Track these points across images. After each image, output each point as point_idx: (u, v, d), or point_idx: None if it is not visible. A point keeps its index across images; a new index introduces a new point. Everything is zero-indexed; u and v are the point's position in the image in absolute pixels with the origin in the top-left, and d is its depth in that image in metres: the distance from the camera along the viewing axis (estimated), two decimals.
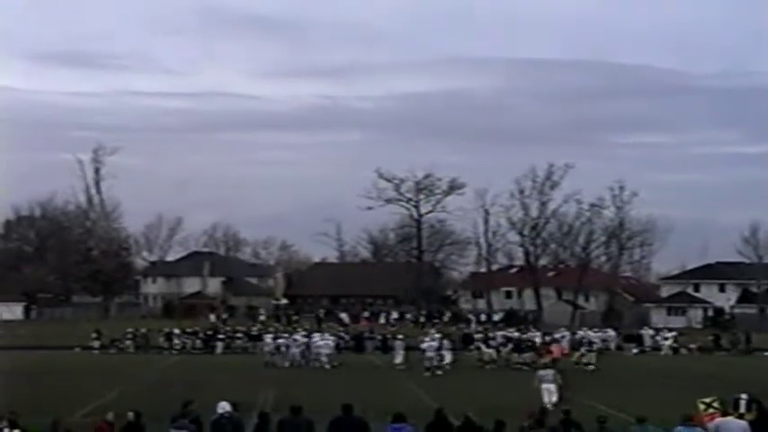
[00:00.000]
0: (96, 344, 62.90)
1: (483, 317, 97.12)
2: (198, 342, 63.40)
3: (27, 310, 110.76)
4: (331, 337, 55.79)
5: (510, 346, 53.19)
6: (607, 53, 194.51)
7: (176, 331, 65.13)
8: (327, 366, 49.97)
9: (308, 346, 52.93)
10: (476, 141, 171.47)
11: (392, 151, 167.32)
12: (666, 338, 66.04)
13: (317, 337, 54.77)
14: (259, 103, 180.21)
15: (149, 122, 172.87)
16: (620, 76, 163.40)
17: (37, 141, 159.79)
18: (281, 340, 53.68)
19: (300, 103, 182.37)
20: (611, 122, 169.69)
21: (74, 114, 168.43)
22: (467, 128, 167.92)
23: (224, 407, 20.60)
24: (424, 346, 49.67)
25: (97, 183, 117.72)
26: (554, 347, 58.19)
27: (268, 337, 55.12)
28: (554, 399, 30.56)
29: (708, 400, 21.54)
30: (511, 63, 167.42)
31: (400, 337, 56.53)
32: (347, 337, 65.67)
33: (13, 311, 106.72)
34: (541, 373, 32.68)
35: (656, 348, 65.18)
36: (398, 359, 51.28)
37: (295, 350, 52.29)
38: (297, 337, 54.40)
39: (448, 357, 49.70)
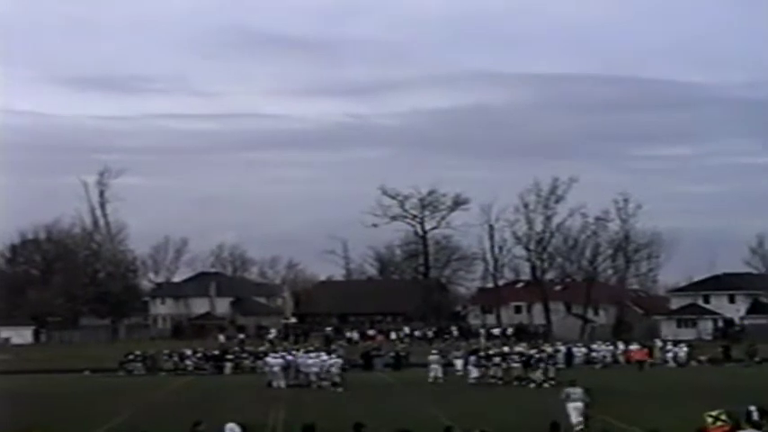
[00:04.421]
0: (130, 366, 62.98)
1: (496, 331, 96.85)
2: (207, 363, 63.25)
3: (36, 334, 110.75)
4: (324, 357, 53.19)
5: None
6: (631, 67, 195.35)
7: (188, 352, 65.07)
8: (315, 386, 48.82)
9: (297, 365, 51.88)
10: (496, 157, 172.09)
11: (407, 168, 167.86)
12: (668, 350, 66.01)
13: (309, 356, 53.66)
14: (285, 123, 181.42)
15: (174, 144, 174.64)
16: (643, 90, 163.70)
17: (58, 165, 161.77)
18: (274, 359, 52.97)
19: (325, 121, 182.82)
20: (632, 136, 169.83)
21: (99, 138, 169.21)
22: (488, 143, 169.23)
23: (232, 428, 20.51)
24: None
25: (102, 205, 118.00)
26: (636, 351, 62.91)
27: (269, 357, 54.60)
28: (579, 417, 29.36)
29: (714, 413, 21.35)
30: (534, 78, 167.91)
31: (434, 352, 56.36)
32: (341, 354, 64.81)
33: (23, 336, 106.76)
34: (569, 390, 30.68)
35: (667, 361, 64.85)
36: (433, 374, 51.83)
37: (309, 368, 51.58)
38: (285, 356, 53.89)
39: (475, 372, 50.63)
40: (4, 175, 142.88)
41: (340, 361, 52.52)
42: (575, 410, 29.61)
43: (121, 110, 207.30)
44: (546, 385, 47.62)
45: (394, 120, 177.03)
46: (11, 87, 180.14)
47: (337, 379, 49.31)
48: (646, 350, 64.72)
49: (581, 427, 28.21)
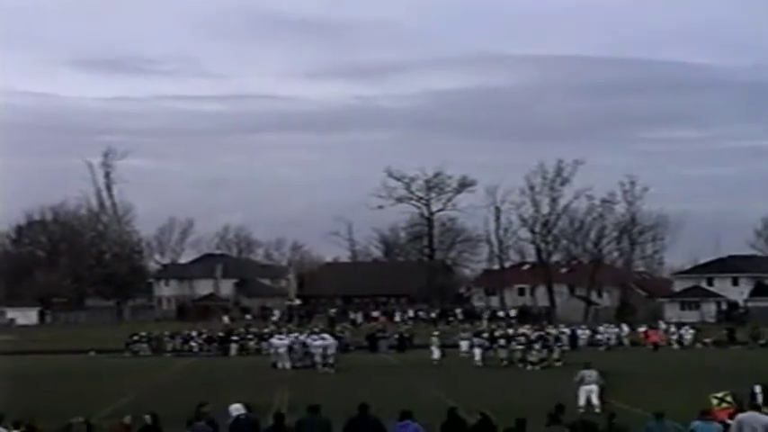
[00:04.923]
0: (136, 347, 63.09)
1: (501, 314, 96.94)
2: (213, 344, 63.42)
3: (42, 315, 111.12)
4: (329, 338, 52.50)
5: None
6: (638, 49, 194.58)
7: (193, 334, 65.26)
8: (320, 368, 48.44)
9: (304, 345, 51.78)
10: (502, 139, 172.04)
11: (413, 150, 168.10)
12: (673, 333, 66.23)
13: (314, 337, 53.00)
14: (292, 105, 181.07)
15: (181, 126, 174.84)
16: (650, 72, 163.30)
17: (65, 147, 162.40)
18: (280, 340, 52.95)
19: (332, 103, 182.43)
20: (639, 118, 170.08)
21: (106, 119, 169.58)
22: (495, 125, 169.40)
23: (238, 408, 20.59)
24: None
25: (108, 186, 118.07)
26: (652, 333, 64.21)
27: (274, 339, 54.53)
28: (594, 401, 29.34)
29: (720, 394, 21.43)
30: (541, 60, 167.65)
31: (436, 334, 56.41)
32: (345, 336, 64.73)
33: (29, 317, 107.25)
34: (584, 372, 30.45)
35: (670, 343, 64.93)
36: (435, 355, 51.98)
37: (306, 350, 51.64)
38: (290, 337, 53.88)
39: (480, 354, 50.68)
40: (11, 157, 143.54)
41: (335, 342, 52.31)
42: (586, 393, 29.56)
43: (129, 91, 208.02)
44: (536, 367, 48.04)
45: (401, 102, 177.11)
46: (18, 68, 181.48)
47: (331, 360, 49.31)
48: (659, 332, 65.67)
49: (598, 410, 28.22)
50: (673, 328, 68.40)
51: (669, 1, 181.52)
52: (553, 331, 56.81)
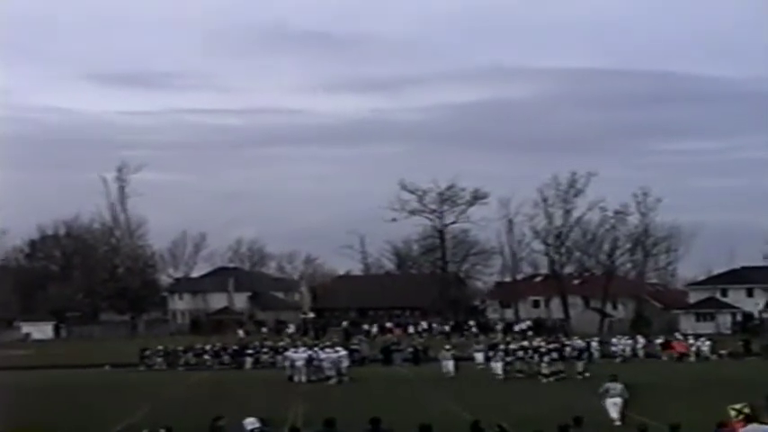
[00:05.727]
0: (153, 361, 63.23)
1: (517, 327, 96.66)
2: (226, 357, 63.43)
3: (56, 330, 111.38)
4: (341, 351, 52.75)
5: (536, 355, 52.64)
6: (651, 61, 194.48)
7: (207, 347, 65.24)
8: (332, 382, 48.47)
9: (318, 358, 51.76)
10: (516, 151, 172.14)
11: (427, 162, 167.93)
12: (691, 345, 65.95)
13: (327, 350, 53.21)
14: (307, 118, 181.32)
15: (196, 140, 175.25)
16: (663, 84, 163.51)
17: (80, 161, 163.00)
18: (297, 354, 53.04)
19: (347, 116, 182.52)
20: (652, 130, 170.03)
21: (122, 133, 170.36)
22: (508, 137, 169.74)
23: (253, 422, 20.56)
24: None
25: (122, 201, 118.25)
26: (677, 344, 64.81)
27: (290, 352, 54.63)
28: (615, 414, 29.35)
29: (738, 406, 21.21)
30: (554, 72, 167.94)
31: (447, 347, 56.43)
32: (362, 349, 64.84)
33: (44, 331, 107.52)
34: (609, 385, 30.57)
35: (688, 355, 64.65)
36: (446, 369, 52.06)
37: (325, 363, 51.71)
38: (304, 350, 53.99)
39: (498, 367, 50.57)
40: (26, 171, 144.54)
41: (347, 354, 52.59)
42: (613, 406, 29.55)
43: (145, 106, 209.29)
44: (550, 379, 47.96)
45: (415, 114, 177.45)
46: (34, 83, 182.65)
47: (344, 371, 49.85)
48: (684, 344, 65.89)
49: (619, 423, 28.13)
50: (691, 340, 68.05)
51: (681, 13, 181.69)
52: (569, 343, 56.82)
